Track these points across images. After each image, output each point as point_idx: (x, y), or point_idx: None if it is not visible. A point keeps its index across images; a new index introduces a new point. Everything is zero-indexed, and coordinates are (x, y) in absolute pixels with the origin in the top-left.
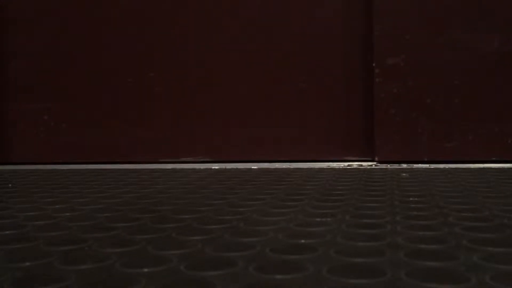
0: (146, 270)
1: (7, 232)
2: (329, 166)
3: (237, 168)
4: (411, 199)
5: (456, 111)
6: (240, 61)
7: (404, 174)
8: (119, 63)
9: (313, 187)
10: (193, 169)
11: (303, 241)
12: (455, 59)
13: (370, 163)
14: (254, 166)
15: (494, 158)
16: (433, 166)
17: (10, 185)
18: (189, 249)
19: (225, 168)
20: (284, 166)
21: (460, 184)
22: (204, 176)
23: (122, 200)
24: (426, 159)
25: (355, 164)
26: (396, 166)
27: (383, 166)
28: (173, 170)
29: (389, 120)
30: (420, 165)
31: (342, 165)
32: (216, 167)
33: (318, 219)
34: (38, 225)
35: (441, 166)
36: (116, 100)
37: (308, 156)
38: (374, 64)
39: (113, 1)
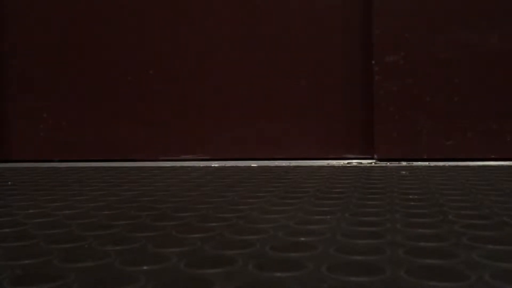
0: (145, 268)
1: (7, 230)
2: (328, 164)
3: (237, 166)
4: (410, 196)
5: (455, 109)
6: (240, 59)
7: (403, 172)
8: (119, 61)
9: (312, 185)
10: (193, 167)
11: (303, 239)
12: (454, 57)
13: (369, 161)
14: (254, 164)
15: (493, 156)
16: (432, 163)
17: (9, 182)
18: (189, 247)
19: (225, 166)
20: (283, 164)
21: (460, 182)
22: (204, 174)
23: (122, 198)
24: (425, 157)
25: (354, 162)
26: (395, 163)
27: (383, 163)
28: (173, 168)
29: (388, 117)
30: (419, 163)
31: (342, 162)
32: (216, 165)
33: (318, 217)
34: (37, 223)
35: (441, 163)
36: (115, 98)
37: (308, 154)
38: (373, 62)
39: (113, 0)
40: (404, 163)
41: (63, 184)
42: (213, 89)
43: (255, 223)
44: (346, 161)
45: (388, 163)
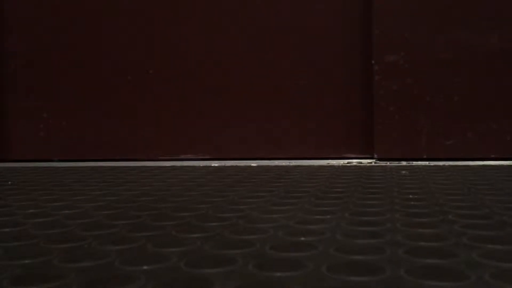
0: (145, 267)
1: (7, 229)
2: (328, 163)
3: (236, 166)
4: (410, 196)
5: (455, 109)
6: (240, 59)
7: (403, 172)
8: (119, 60)
9: (312, 185)
10: (193, 167)
11: (303, 238)
12: (454, 57)
13: (369, 161)
14: (254, 163)
15: (493, 155)
16: (432, 163)
17: (9, 182)
18: (189, 247)
19: (225, 166)
20: (283, 164)
21: (460, 182)
22: (204, 173)
23: (122, 197)
24: (425, 157)
25: (354, 162)
26: (395, 163)
27: (383, 163)
28: (173, 167)
29: (388, 117)
30: (419, 163)
31: (342, 162)
32: (216, 165)
33: (318, 217)
34: (37, 222)
35: (441, 163)
36: (115, 97)
37: (308, 154)
38: (373, 61)
39: (113, 0)
40: (404, 163)
41: (63, 184)
42: (213, 89)
43: (255, 222)
44: (346, 161)
45: (388, 162)
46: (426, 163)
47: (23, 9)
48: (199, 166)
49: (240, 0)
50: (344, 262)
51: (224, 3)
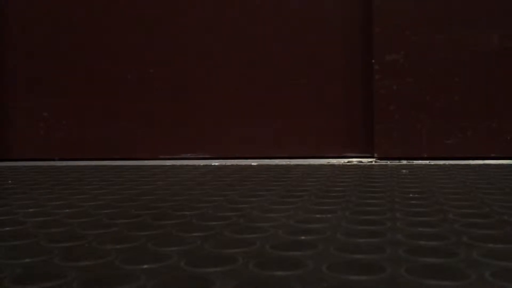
0: (146, 266)
1: (7, 228)
2: (329, 162)
3: (237, 165)
4: (411, 195)
5: (455, 108)
6: (240, 58)
7: (404, 171)
8: (119, 60)
9: (313, 184)
10: (193, 166)
11: (303, 237)
12: (455, 56)
13: (370, 160)
14: (254, 162)
15: (493, 155)
16: (432, 162)
17: (10, 181)
18: (189, 246)
19: (225, 165)
20: (284, 163)
21: (460, 181)
22: (204, 172)
23: (122, 196)
24: (426, 156)
25: (355, 161)
26: (396, 162)
27: (383, 162)
28: (173, 166)
29: (388, 116)
30: (420, 162)
31: (342, 161)
32: (216, 164)
33: (318, 216)
34: (38, 221)
35: (441, 162)
36: (115, 96)
37: (308, 153)
38: (373, 61)
39: (113, 0)
40: (404, 162)
41: (63, 183)
42: (213, 88)
43: (255, 221)
44: (346, 160)
45: (389, 161)
46: (427, 162)
47: (23, 9)
48: (199, 165)
49: (240, 1)
50: (344, 261)
51: (225, 3)
